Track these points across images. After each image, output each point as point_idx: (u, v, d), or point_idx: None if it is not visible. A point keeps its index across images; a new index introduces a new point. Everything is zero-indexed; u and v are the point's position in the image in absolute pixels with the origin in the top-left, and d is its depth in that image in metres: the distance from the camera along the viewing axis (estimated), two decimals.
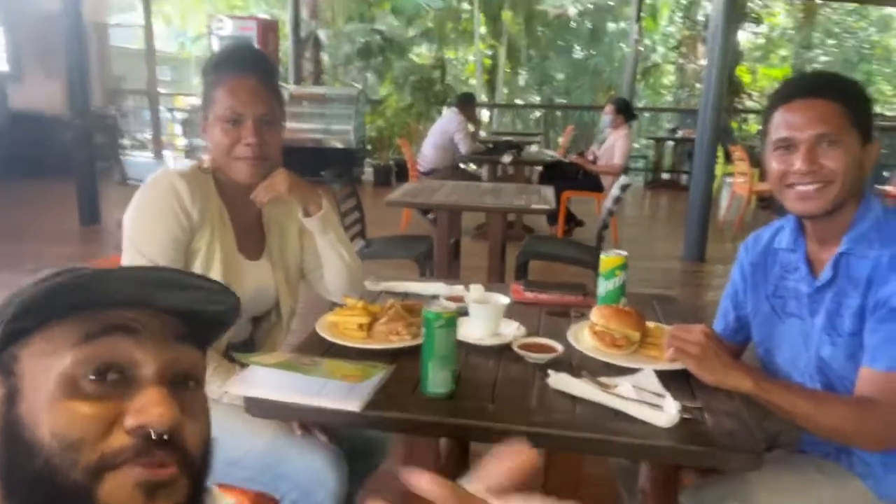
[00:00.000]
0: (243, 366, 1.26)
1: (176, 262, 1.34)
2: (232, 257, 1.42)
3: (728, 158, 7.56)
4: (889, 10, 14.56)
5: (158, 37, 11.90)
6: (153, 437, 0.53)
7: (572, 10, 15.23)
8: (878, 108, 12.29)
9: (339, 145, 8.61)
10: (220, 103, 1.36)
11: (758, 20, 13.80)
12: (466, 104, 6.30)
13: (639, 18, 10.44)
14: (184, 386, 0.59)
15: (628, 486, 1.51)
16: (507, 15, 14.55)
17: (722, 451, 0.98)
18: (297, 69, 10.11)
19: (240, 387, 1.13)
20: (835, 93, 1.18)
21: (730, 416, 1.06)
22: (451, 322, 1.09)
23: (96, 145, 5.94)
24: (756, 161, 7.77)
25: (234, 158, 1.37)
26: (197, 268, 1.37)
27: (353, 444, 1.46)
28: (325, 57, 11.63)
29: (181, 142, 11.42)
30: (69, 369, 0.54)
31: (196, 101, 11.16)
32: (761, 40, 16.06)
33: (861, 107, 1.20)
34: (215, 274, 1.38)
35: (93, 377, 0.54)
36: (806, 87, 1.22)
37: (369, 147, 9.43)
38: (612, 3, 15.54)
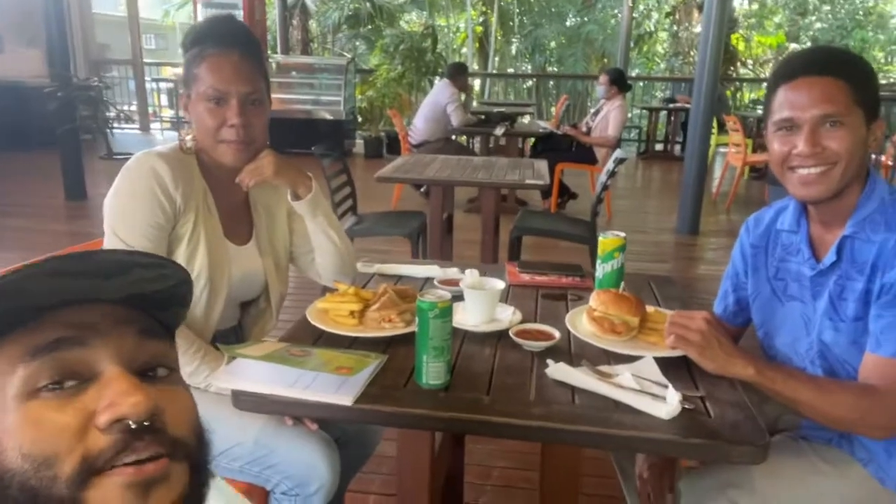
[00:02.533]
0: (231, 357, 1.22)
1: (159, 248, 1.29)
2: (217, 243, 1.37)
3: (721, 128, 7.49)
4: None
5: (142, 4, 11.59)
6: (132, 426, 0.49)
7: None
8: None
9: (328, 117, 8.47)
10: (203, 81, 1.29)
11: None
12: (458, 74, 6.18)
13: None
14: (153, 375, 0.55)
15: (625, 470, 1.49)
16: None
17: (726, 444, 0.95)
18: (285, 38, 9.91)
19: (226, 380, 1.09)
20: (839, 70, 1.13)
21: (733, 406, 1.03)
22: (445, 312, 1.05)
23: (80, 117, 5.79)
24: (750, 131, 7.74)
25: (218, 141, 1.31)
26: (181, 254, 1.32)
27: (345, 431, 1.44)
28: (313, 25, 11.39)
29: (168, 113, 11.24)
30: (23, 387, 0.50)
31: (181, 71, 10.91)
32: (755, 6, 15.86)
33: (866, 84, 1.14)
34: (200, 260, 1.33)
35: (50, 388, 0.50)
36: (809, 64, 1.16)
37: (360, 118, 9.28)
38: None
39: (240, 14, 7.71)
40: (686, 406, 1.01)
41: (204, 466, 0.55)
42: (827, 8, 16.15)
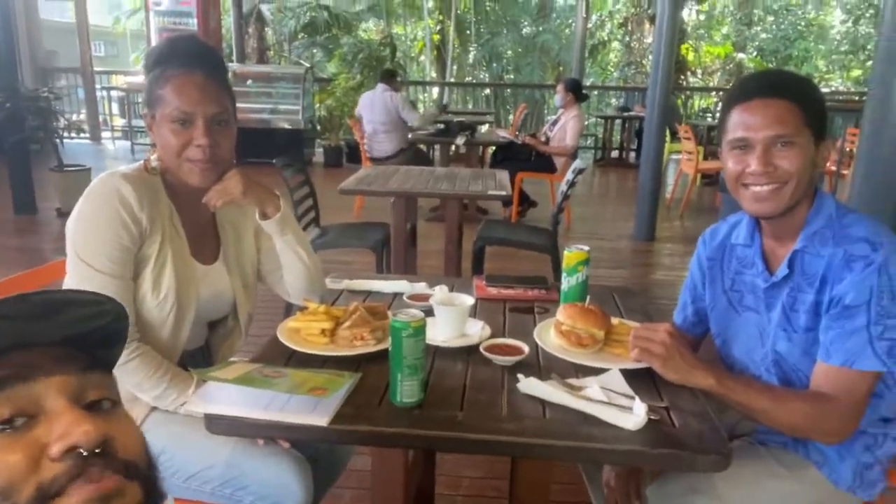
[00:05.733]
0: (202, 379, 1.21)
1: (125, 271, 1.27)
2: (184, 263, 1.36)
3: (673, 136, 7.71)
4: None
5: (92, 10, 11.28)
6: (84, 454, 0.52)
7: None
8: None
9: (287, 126, 8.40)
10: (168, 103, 1.28)
11: None
12: (391, 78, 6.27)
13: None
14: (98, 407, 0.57)
15: (593, 478, 1.53)
16: None
17: (690, 453, 0.99)
18: (240, 46, 9.79)
19: (199, 404, 1.08)
20: (790, 92, 1.19)
21: (696, 416, 1.08)
22: (419, 331, 1.06)
23: (29, 128, 5.60)
24: (701, 139, 7.98)
25: (184, 161, 1.30)
26: (148, 275, 1.30)
27: (316, 449, 1.44)
28: (269, 33, 11.28)
29: (119, 122, 10.95)
30: None
31: (133, 79, 10.67)
32: (703, 17, 16.38)
33: (815, 106, 1.20)
34: (167, 281, 1.32)
35: (0, 428, 0.52)
36: (763, 86, 1.21)
37: (319, 127, 9.22)
38: None
39: (194, 22, 7.57)
40: (652, 417, 1.05)
41: (155, 487, 0.58)
42: (771, 19, 16.79)
